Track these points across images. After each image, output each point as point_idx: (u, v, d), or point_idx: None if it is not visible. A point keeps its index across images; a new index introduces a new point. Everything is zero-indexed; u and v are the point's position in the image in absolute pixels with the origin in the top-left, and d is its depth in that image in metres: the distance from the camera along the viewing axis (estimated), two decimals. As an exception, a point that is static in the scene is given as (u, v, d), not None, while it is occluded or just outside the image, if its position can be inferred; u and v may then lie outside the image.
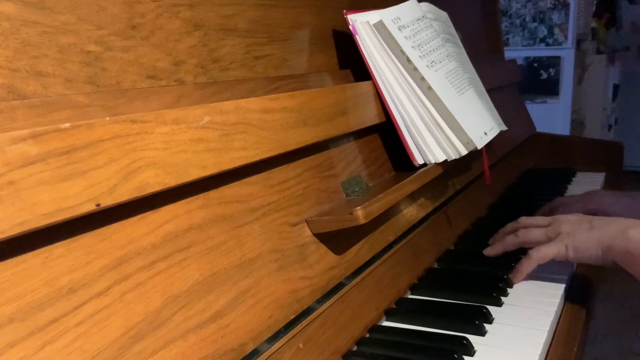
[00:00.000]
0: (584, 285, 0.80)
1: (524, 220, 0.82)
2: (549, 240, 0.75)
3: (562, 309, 0.72)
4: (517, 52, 3.05)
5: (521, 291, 0.75)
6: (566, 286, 0.76)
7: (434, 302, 0.74)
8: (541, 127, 1.61)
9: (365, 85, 0.75)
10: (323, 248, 0.61)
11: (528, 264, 0.75)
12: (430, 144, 0.78)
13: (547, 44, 3.05)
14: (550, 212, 0.98)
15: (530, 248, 0.76)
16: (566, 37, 3.01)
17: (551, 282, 0.76)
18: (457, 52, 0.94)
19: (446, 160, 0.79)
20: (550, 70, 3.04)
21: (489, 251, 0.83)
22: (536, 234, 0.77)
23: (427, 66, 0.80)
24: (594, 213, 0.91)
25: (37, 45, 0.42)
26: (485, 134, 0.87)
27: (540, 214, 1.01)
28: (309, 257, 0.58)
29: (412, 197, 0.79)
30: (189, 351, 0.43)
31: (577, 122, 3.20)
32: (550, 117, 3.00)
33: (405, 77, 0.78)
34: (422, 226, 0.83)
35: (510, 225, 0.84)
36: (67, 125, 0.37)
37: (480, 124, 0.87)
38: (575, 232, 0.72)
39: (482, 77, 1.01)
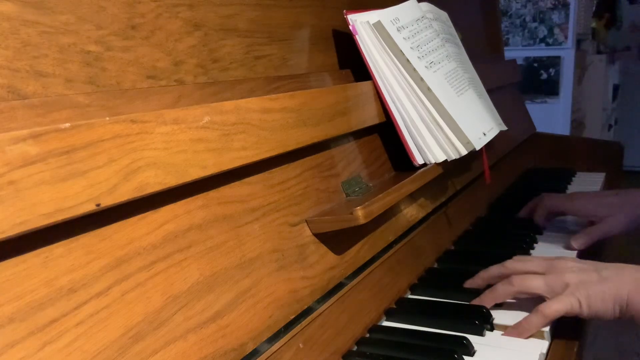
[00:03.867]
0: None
1: (512, 265, 0.70)
2: (552, 292, 0.65)
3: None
4: (517, 52, 3.05)
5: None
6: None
7: (434, 302, 0.74)
8: (541, 127, 1.61)
9: (365, 85, 0.75)
10: (323, 248, 0.61)
11: (538, 321, 0.63)
12: (430, 144, 0.78)
13: (547, 44, 3.05)
14: (536, 210, 1.00)
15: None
16: (566, 37, 3.01)
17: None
18: (456, 52, 0.94)
19: (446, 160, 0.79)
20: (550, 70, 3.04)
21: (478, 302, 0.70)
22: (536, 283, 0.66)
23: (426, 67, 0.80)
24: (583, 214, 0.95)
25: (37, 45, 0.42)
26: (484, 134, 0.87)
27: (527, 210, 1.02)
28: (309, 257, 0.58)
29: (412, 197, 0.79)
30: (189, 351, 0.43)
31: (577, 122, 3.20)
32: (550, 117, 3.00)
33: (405, 77, 0.78)
34: (422, 226, 0.83)
35: (495, 270, 0.72)
36: (67, 125, 0.37)
37: (479, 125, 0.87)
38: (586, 285, 0.63)
39: (482, 77, 1.01)
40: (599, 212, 0.92)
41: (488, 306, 0.69)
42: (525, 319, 0.65)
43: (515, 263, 0.71)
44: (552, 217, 1.00)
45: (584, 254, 0.87)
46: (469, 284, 0.75)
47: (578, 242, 0.89)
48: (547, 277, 0.66)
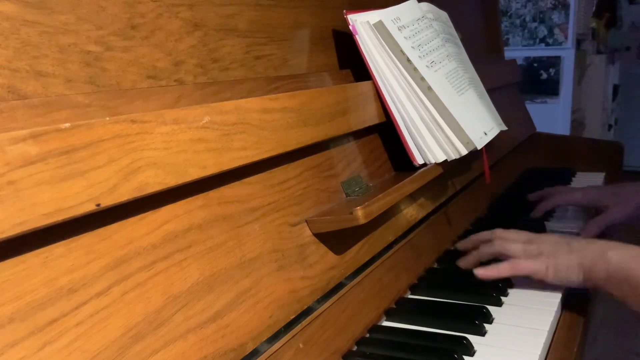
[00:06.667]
0: (584, 285, 0.80)
1: (500, 232, 0.79)
2: (527, 256, 0.73)
3: (562, 309, 0.72)
4: (517, 52, 3.05)
5: (521, 291, 0.75)
6: (566, 286, 0.75)
7: (434, 302, 0.74)
8: (541, 127, 1.61)
9: (365, 85, 0.75)
10: (323, 248, 0.61)
11: (503, 270, 0.73)
12: (430, 144, 0.78)
13: (547, 44, 3.05)
14: (543, 201, 1.06)
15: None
16: (566, 37, 3.01)
17: (551, 282, 0.76)
18: (457, 52, 0.94)
19: (446, 160, 0.79)
20: (550, 70, 3.04)
21: (463, 263, 0.80)
22: (514, 248, 0.75)
23: (426, 66, 0.80)
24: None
25: (37, 45, 0.42)
26: (485, 134, 0.87)
27: (537, 197, 1.08)
28: (309, 257, 0.58)
29: (412, 197, 0.79)
30: (189, 351, 0.43)
31: (577, 122, 3.20)
32: (550, 117, 3.00)
33: (405, 77, 0.78)
34: (422, 226, 0.83)
35: (484, 234, 0.81)
36: (67, 125, 0.37)
37: (480, 124, 0.87)
38: (556, 254, 0.71)
39: (482, 77, 1.01)
40: (608, 201, 0.99)
41: (472, 263, 0.79)
42: (497, 265, 0.74)
43: (503, 231, 0.80)
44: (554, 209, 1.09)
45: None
46: (461, 245, 0.85)
47: (589, 232, 0.95)
48: (526, 245, 0.75)
